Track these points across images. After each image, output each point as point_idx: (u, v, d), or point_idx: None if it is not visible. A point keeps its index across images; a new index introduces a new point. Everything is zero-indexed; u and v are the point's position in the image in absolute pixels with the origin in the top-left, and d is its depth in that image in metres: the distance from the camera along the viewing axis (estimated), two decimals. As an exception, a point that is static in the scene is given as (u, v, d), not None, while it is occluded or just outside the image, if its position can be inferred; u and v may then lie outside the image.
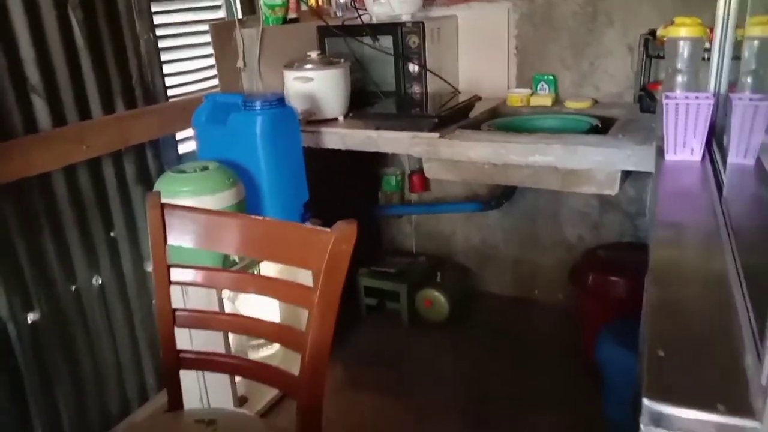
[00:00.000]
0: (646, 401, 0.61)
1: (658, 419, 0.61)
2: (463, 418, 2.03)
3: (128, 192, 1.95)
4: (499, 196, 2.54)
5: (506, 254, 2.70)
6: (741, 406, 0.58)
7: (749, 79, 1.28)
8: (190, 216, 1.27)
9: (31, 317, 1.70)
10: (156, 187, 1.80)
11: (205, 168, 1.83)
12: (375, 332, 2.56)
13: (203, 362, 1.31)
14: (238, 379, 1.86)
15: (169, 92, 2.08)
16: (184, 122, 2.04)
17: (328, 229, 1.11)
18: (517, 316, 2.62)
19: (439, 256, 2.79)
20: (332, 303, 1.12)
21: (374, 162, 2.76)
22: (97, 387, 1.90)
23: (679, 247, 0.97)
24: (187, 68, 2.19)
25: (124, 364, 1.99)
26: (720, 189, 1.14)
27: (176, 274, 1.27)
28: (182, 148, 2.17)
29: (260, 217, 1.24)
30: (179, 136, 2.15)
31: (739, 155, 1.18)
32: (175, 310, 1.29)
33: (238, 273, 1.30)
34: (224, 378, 1.80)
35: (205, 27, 2.19)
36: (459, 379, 2.24)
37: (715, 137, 1.36)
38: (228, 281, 1.24)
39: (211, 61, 2.20)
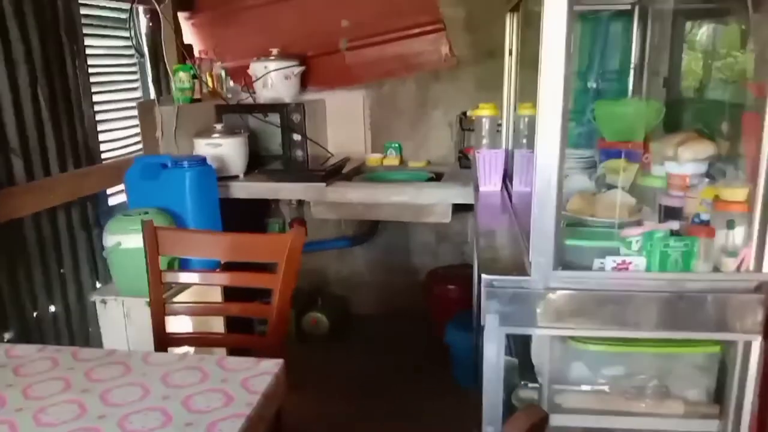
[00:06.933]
0: (483, 275, 1.34)
1: (488, 283, 1.34)
2: (348, 395, 2.66)
3: (75, 236, 2.37)
4: (363, 234, 3.28)
5: (370, 280, 3.42)
6: (522, 272, 1.33)
7: (524, 140, 2.17)
8: (178, 234, 1.82)
9: (6, 336, 2.06)
10: (109, 228, 2.27)
11: (146, 213, 2.33)
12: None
13: (189, 340, 1.83)
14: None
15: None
16: (118, 179, 2.52)
17: (285, 233, 1.74)
18: (383, 325, 3.33)
19: (317, 286, 3.42)
20: (291, 282, 1.73)
21: (261, 213, 3.36)
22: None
23: (492, 230, 1.76)
24: (115, 136, 2.68)
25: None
26: (511, 201, 1.97)
27: (168, 276, 1.80)
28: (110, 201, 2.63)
29: (231, 232, 1.83)
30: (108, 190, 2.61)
31: (520, 185, 2.03)
32: (164, 302, 1.80)
33: (222, 272, 1.85)
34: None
35: (126, 105, 2.71)
36: (342, 373, 2.87)
37: (507, 175, 2.21)
38: (215, 278, 1.79)
39: (132, 130, 2.72)
